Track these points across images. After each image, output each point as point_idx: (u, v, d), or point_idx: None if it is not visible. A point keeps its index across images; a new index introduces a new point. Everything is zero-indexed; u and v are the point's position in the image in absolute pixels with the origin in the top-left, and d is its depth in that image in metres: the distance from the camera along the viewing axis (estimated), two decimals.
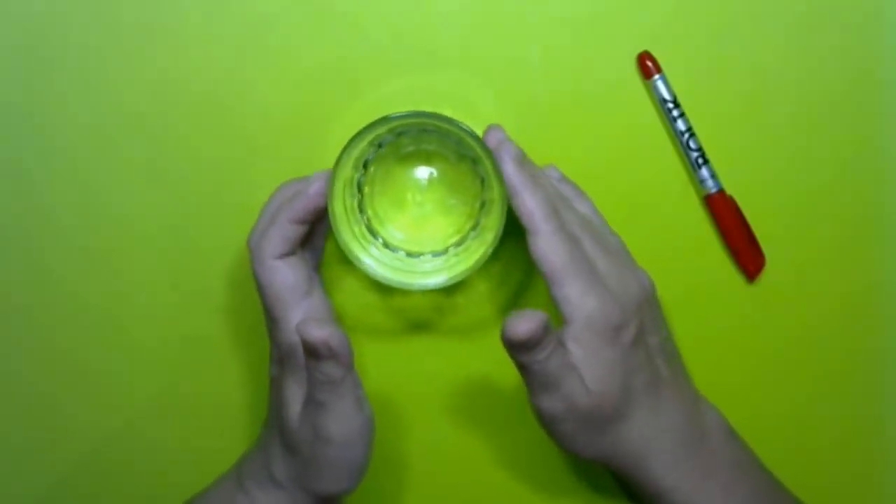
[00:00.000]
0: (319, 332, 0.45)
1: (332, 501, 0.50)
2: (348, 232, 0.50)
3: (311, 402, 0.47)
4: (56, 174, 0.55)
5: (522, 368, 0.47)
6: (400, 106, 0.50)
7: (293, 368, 0.48)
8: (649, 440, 0.48)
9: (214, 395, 0.55)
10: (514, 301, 0.55)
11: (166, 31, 0.54)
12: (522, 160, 0.49)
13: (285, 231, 0.49)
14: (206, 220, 0.55)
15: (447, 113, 0.49)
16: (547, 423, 0.48)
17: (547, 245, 0.48)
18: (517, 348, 0.46)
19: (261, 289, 0.49)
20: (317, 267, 0.52)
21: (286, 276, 0.49)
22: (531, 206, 0.48)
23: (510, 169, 0.48)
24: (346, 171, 0.50)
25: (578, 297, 0.47)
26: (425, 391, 0.55)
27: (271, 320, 0.49)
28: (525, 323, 0.45)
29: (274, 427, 0.50)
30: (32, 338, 0.55)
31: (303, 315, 0.49)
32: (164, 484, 0.55)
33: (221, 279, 0.55)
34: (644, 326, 0.49)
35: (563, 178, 0.53)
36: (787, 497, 0.51)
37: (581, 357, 0.47)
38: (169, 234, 0.55)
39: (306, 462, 0.48)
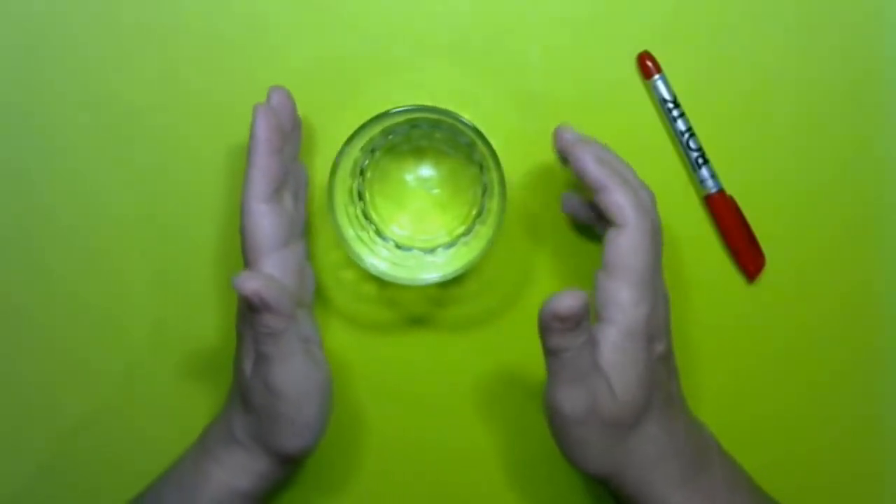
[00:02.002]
0: (250, 283, 0.45)
1: (291, 462, 0.50)
2: (348, 228, 0.50)
3: (259, 355, 0.47)
4: (56, 174, 0.55)
5: (552, 355, 0.46)
6: (398, 106, 0.50)
7: (251, 320, 0.48)
8: (658, 458, 0.47)
9: (215, 395, 0.55)
10: (514, 294, 0.55)
11: (166, 31, 0.54)
12: (602, 157, 0.48)
13: (264, 166, 0.48)
14: (206, 220, 0.55)
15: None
16: (564, 422, 0.46)
17: (630, 241, 0.47)
18: (557, 327, 0.44)
19: (242, 233, 0.49)
20: (301, 233, 0.51)
21: (265, 222, 0.48)
22: (620, 200, 0.47)
23: (591, 165, 0.47)
24: (345, 172, 0.50)
25: (631, 303, 0.46)
26: (423, 384, 0.55)
27: (246, 265, 0.49)
28: (571, 299, 0.44)
29: (234, 385, 0.50)
30: (32, 338, 0.55)
31: (274, 264, 0.48)
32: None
33: (221, 279, 0.55)
34: (670, 343, 0.49)
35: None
36: None
37: (614, 362, 0.46)
38: (168, 234, 0.55)
39: (260, 416, 0.48)
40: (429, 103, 0.50)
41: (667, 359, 0.49)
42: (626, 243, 0.47)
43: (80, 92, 0.54)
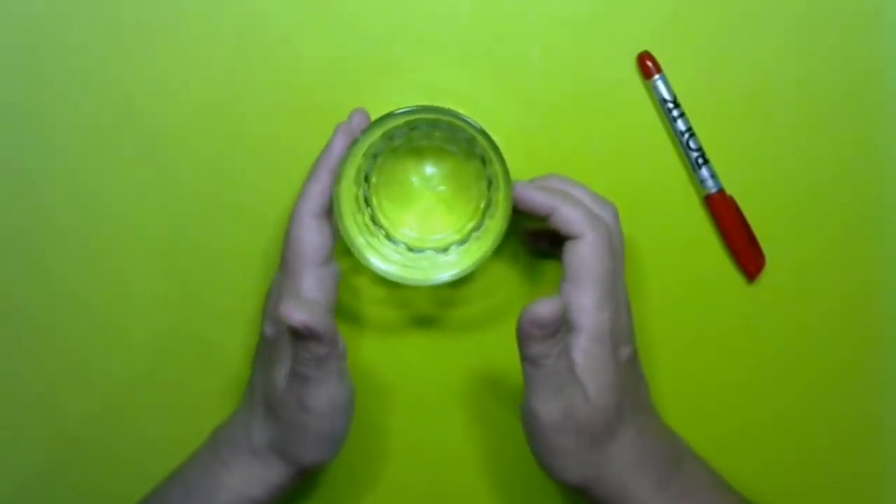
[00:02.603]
0: (300, 316, 0.45)
1: (304, 473, 0.50)
2: (358, 236, 0.50)
3: (296, 375, 0.47)
4: (56, 174, 0.55)
5: (532, 364, 0.46)
6: (398, 106, 0.50)
7: (292, 344, 0.48)
8: (634, 464, 0.48)
9: (215, 395, 0.55)
10: (519, 295, 0.55)
11: (166, 32, 0.54)
12: (542, 185, 0.50)
13: (323, 184, 0.49)
14: (205, 221, 0.55)
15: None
16: (541, 431, 0.47)
17: (589, 250, 0.48)
18: (536, 334, 0.45)
19: (289, 242, 0.49)
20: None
21: (316, 236, 0.49)
22: (572, 214, 0.48)
23: (534, 195, 0.49)
24: (355, 163, 0.50)
25: (594, 308, 0.47)
26: (430, 384, 0.55)
27: (285, 276, 0.49)
28: (548, 305, 0.45)
29: (258, 391, 0.50)
30: (32, 338, 0.55)
31: (313, 280, 0.49)
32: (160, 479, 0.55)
33: (221, 279, 0.55)
34: (635, 349, 0.50)
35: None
36: None
37: (584, 367, 0.47)
38: (168, 234, 0.55)
39: (286, 428, 0.48)
40: (427, 103, 0.50)
41: (633, 364, 0.50)
42: (584, 251, 0.48)
43: (81, 92, 0.54)
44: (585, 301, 0.47)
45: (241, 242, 0.55)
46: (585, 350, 0.47)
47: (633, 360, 0.50)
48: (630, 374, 0.49)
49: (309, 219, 0.49)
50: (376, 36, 0.54)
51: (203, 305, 0.55)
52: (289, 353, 0.48)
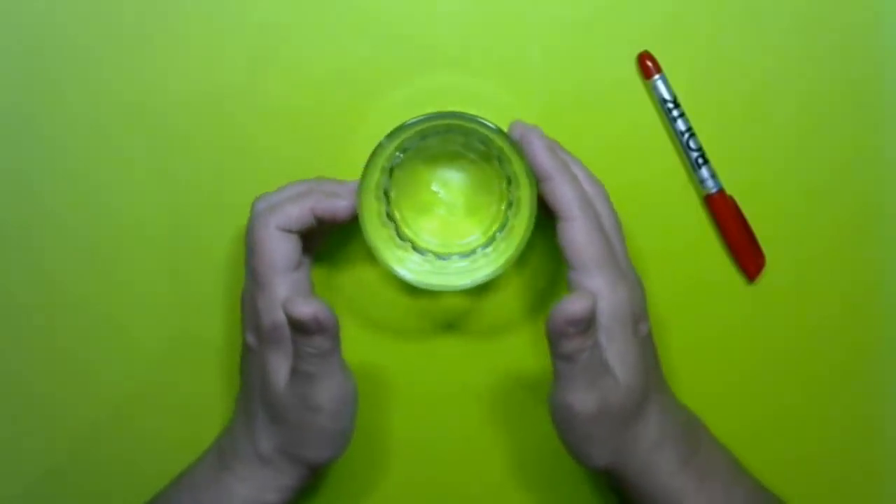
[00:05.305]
0: (307, 308, 0.45)
1: (316, 472, 0.50)
2: (379, 238, 0.50)
3: (300, 374, 0.47)
4: (56, 174, 0.55)
5: (565, 360, 0.46)
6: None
7: (277, 340, 0.48)
8: (659, 441, 0.48)
9: (214, 395, 0.55)
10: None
11: (167, 33, 0.54)
12: (552, 146, 0.49)
13: (303, 215, 0.49)
14: (206, 222, 0.55)
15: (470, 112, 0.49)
16: (574, 422, 0.47)
17: (581, 233, 0.47)
18: (571, 332, 0.45)
19: (256, 252, 0.49)
20: (310, 256, 0.52)
21: (284, 244, 0.49)
22: (567, 192, 0.48)
23: (541, 153, 0.48)
24: (374, 178, 0.49)
25: (609, 288, 0.47)
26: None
27: (257, 286, 0.49)
28: (581, 301, 0.45)
29: (254, 399, 0.50)
30: (32, 338, 0.55)
31: (288, 287, 0.49)
32: (163, 482, 0.55)
33: (222, 280, 0.55)
34: (650, 324, 0.50)
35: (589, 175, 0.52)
36: (773, 496, 0.52)
37: (611, 351, 0.47)
38: (169, 234, 0.55)
39: (293, 430, 0.48)
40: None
41: (650, 339, 0.50)
42: (578, 236, 0.47)
43: (80, 92, 0.54)
44: (598, 284, 0.47)
45: (243, 244, 0.55)
46: (609, 333, 0.47)
47: (650, 335, 0.50)
48: (650, 350, 0.49)
49: (277, 230, 0.49)
50: (375, 37, 0.54)
51: (204, 306, 0.55)
52: (282, 356, 0.48)
